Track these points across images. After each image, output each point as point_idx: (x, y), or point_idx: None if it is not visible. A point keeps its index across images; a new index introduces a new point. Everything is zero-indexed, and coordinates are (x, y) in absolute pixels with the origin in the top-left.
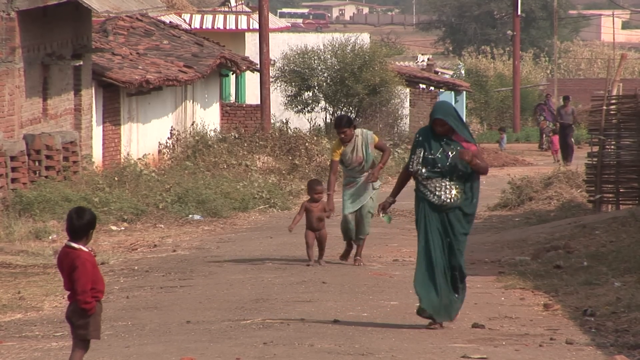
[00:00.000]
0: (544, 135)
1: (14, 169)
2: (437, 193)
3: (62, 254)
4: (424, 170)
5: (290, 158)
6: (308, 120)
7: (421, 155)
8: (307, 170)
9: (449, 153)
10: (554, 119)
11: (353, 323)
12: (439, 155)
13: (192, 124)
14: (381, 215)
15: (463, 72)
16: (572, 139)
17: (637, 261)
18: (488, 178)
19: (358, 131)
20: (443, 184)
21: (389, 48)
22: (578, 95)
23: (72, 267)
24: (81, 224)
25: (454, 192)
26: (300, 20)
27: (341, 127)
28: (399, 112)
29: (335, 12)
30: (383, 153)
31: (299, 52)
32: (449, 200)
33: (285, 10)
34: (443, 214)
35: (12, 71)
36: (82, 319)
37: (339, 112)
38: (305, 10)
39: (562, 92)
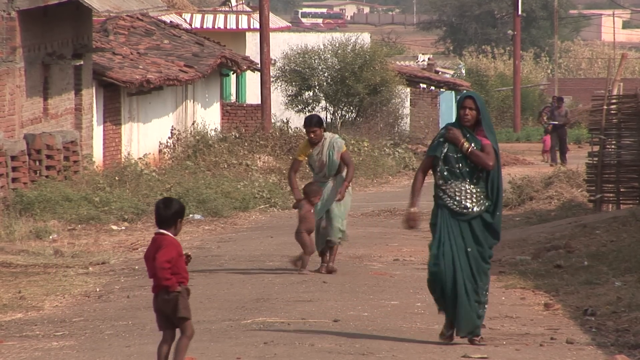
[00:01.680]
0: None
1: (14, 169)
2: (457, 198)
3: (151, 242)
4: (445, 169)
5: (290, 158)
6: None
7: (443, 154)
8: (307, 170)
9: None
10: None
11: (354, 323)
12: (460, 154)
13: (193, 124)
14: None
15: (464, 71)
16: (566, 141)
17: (637, 261)
18: None
19: (327, 134)
20: (463, 187)
21: (389, 48)
22: (579, 94)
23: (158, 248)
24: (168, 214)
25: (474, 197)
26: (320, 20)
27: (311, 126)
28: (400, 111)
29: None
30: (347, 168)
31: (299, 51)
32: (470, 206)
33: (306, 10)
34: (465, 223)
35: (13, 71)
36: (170, 303)
37: (339, 112)
38: (324, 10)
39: (562, 92)
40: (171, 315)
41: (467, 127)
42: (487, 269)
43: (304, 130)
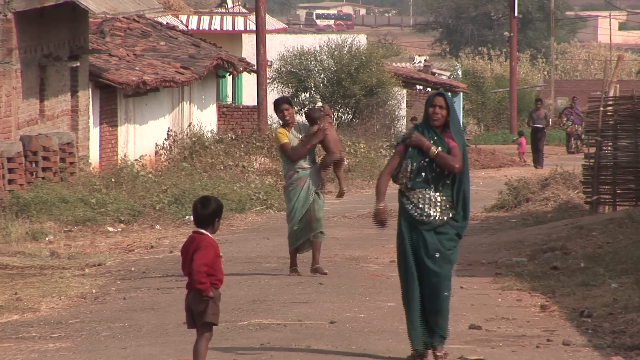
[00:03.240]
0: (572, 139)
1: (10, 170)
2: (420, 206)
3: (188, 239)
4: (409, 184)
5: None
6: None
7: (408, 168)
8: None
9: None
10: (581, 121)
11: (350, 324)
12: (428, 160)
13: (189, 125)
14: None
15: (460, 73)
16: (544, 144)
17: (633, 262)
18: (485, 179)
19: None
20: (427, 194)
21: (385, 49)
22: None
23: (196, 248)
24: (206, 213)
25: (439, 206)
26: (332, 22)
27: (281, 103)
28: (396, 113)
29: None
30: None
31: (295, 53)
32: (432, 215)
33: (320, 12)
34: (429, 232)
35: (9, 72)
36: (201, 304)
37: (336, 113)
38: (335, 12)
39: (559, 94)
40: (197, 316)
41: (435, 128)
42: (451, 255)
43: (276, 114)
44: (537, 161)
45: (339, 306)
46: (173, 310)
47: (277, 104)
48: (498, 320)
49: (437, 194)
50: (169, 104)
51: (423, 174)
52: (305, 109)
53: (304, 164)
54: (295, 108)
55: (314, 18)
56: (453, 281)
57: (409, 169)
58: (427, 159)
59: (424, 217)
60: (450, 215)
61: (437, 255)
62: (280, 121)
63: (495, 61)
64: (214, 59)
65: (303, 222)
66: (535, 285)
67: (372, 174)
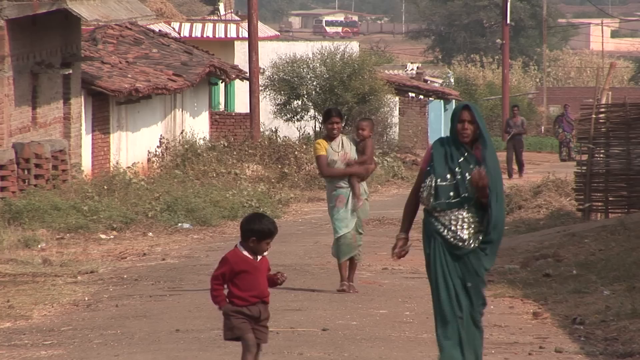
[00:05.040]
0: (563, 147)
1: (3, 178)
2: (452, 228)
3: None
4: (435, 203)
5: (279, 166)
6: (297, 128)
7: (432, 184)
8: (296, 179)
9: (467, 175)
10: (571, 129)
11: (342, 332)
12: (459, 177)
13: (182, 133)
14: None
15: (452, 80)
16: (522, 152)
17: (626, 270)
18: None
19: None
20: (460, 215)
21: (378, 56)
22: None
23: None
24: (242, 227)
25: (472, 228)
26: (340, 29)
27: (333, 116)
28: (389, 120)
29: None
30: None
31: (288, 60)
32: (466, 238)
33: (329, 19)
34: (461, 258)
35: (2, 80)
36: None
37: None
38: (342, 18)
39: (551, 101)
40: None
41: (466, 144)
42: (483, 289)
43: (323, 124)
44: (519, 170)
45: (331, 313)
46: (165, 317)
47: (328, 115)
48: (490, 328)
49: (469, 214)
50: (161, 111)
51: (452, 193)
52: (359, 119)
53: (342, 182)
54: (288, 115)
55: (324, 25)
56: None
57: (433, 185)
58: (460, 176)
59: (457, 241)
60: (480, 238)
61: (469, 284)
62: (323, 132)
63: (488, 68)
64: (206, 66)
65: (348, 240)
66: (527, 293)
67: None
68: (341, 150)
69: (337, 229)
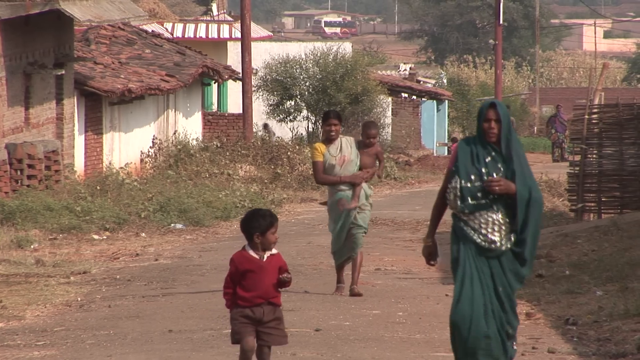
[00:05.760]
0: (555, 147)
1: None
2: (482, 231)
3: None
4: (462, 205)
5: (272, 167)
6: (290, 129)
7: (457, 185)
8: (289, 180)
9: (495, 175)
10: (564, 129)
11: (335, 332)
12: (486, 178)
13: (174, 133)
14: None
15: (445, 81)
16: None
17: (618, 270)
18: None
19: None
20: (490, 218)
21: (371, 57)
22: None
23: None
24: (244, 228)
25: (504, 230)
26: (338, 30)
27: (331, 117)
28: (381, 121)
29: None
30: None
31: (281, 61)
32: (497, 240)
33: (327, 19)
34: (494, 260)
35: None
36: None
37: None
38: (339, 19)
39: (544, 102)
40: None
41: (493, 144)
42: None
43: (322, 126)
44: None
45: (324, 314)
46: (158, 318)
47: (327, 117)
48: None
49: (500, 215)
50: (154, 111)
51: (479, 194)
52: (364, 121)
53: (342, 185)
54: (281, 116)
55: (322, 26)
56: (439, 289)
57: (458, 187)
58: (487, 176)
59: (489, 244)
60: (512, 239)
61: (501, 289)
62: (322, 135)
63: (481, 69)
64: (199, 66)
65: (346, 240)
66: (520, 293)
67: None
68: (339, 154)
69: (332, 246)
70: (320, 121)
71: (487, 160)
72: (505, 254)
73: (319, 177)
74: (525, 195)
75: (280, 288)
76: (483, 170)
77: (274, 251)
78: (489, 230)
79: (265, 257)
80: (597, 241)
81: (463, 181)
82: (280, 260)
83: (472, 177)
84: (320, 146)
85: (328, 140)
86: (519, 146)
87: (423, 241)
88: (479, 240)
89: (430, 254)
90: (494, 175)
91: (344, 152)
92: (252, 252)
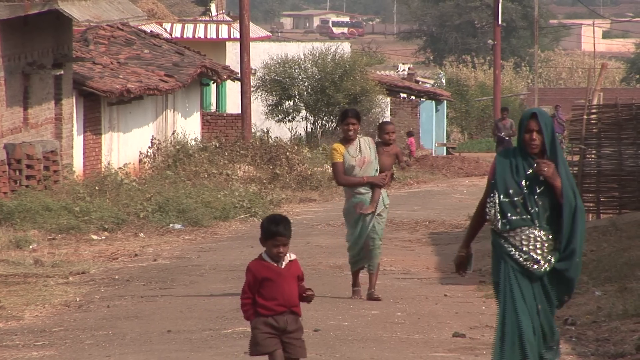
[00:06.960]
0: None
1: None
2: (523, 249)
3: None
4: (501, 222)
5: (271, 167)
6: (289, 129)
7: (496, 200)
8: (287, 180)
9: (536, 188)
10: (562, 130)
11: (334, 332)
12: (527, 192)
13: (173, 133)
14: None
15: (444, 81)
16: None
17: (617, 270)
18: (469, 187)
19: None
20: (532, 234)
21: (369, 57)
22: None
23: None
24: (261, 230)
25: (546, 247)
26: (346, 29)
27: (349, 117)
28: (380, 121)
29: (316, 22)
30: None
31: (279, 61)
32: (540, 259)
33: (335, 19)
34: (536, 283)
35: None
36: None
37: (320, 122)
38: (347, 19)
39: (543, 102)
40: None
41: (535, 155)
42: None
43: (339, 126)
44: None
45: (322, 314)
46: (157, 318)
47: (344, 116)
48: (482, 328)
49: (543, 232)
50: (152, 112)
51: (519, 209)
52: (380, 122)
53: (361, 188)
54: (280, 116)
55: (330, 25)
56: (438, 289)
57: (497, 202)
58: (527, 190)
59: (531, 263)
60: (553, 259)
61: (540, 307)
62: (341, 135)
63: (479, 69)
64: (197, 67)
65: (362, 249)
66: None
67: None
68: (359, 154)
69: (349, 253)
70: (319, 121)
71: (527, 173)
72: (548, 274)
73: (340, 179)
74: (572, 201)
75: (301, 301)
76: (523, 183)
77: (292, 257)
78: (531, 247)
79: (284, 264)
80: (595, 241)
81: (502, 196)
82: (298, 269)
83: (511, 192)
84: (339, 147)
85: (346, 140)
86: (563, 156)
87: (458, 250)
88: (520, 259)
89: (461, 264)
90: (536, 189)
91: (364, 153)
92: (268, 260)
